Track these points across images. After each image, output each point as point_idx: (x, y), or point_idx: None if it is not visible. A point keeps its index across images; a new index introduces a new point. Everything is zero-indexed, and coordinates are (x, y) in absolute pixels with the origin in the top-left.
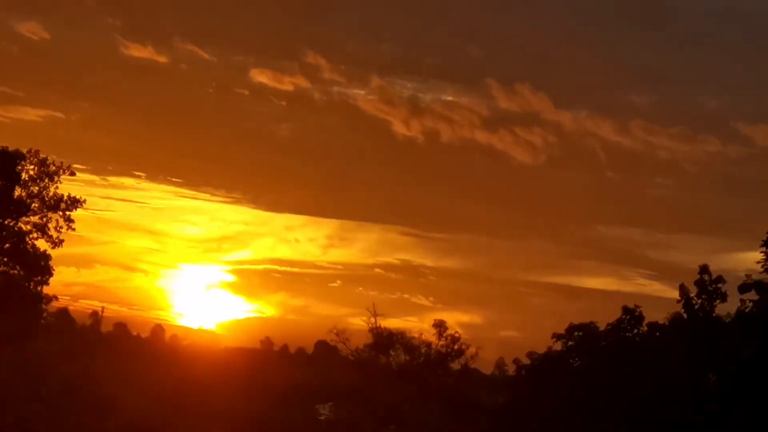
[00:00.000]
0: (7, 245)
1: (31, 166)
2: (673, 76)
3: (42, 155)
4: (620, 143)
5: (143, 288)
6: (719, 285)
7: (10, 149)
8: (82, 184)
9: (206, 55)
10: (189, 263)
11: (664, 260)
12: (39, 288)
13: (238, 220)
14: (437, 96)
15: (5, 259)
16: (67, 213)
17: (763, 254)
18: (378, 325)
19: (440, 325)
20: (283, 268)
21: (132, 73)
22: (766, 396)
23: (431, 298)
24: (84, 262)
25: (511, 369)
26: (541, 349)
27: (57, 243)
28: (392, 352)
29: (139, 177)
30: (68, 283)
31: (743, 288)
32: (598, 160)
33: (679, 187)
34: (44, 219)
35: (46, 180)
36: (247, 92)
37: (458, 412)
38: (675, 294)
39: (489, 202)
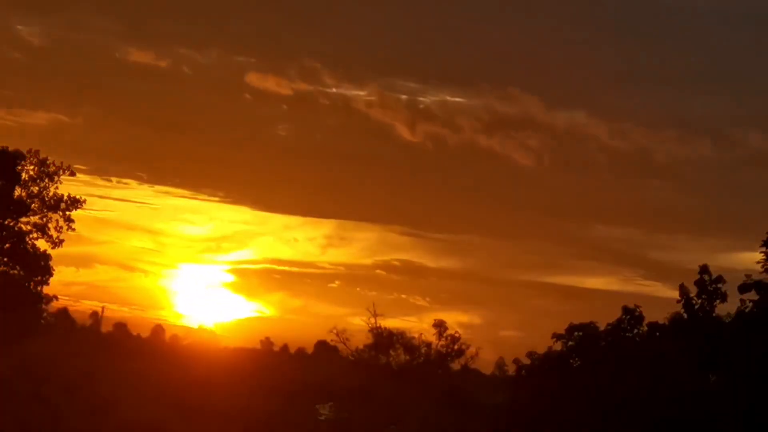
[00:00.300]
0: (7, 245)
1: (31, 166)
2: (673, 77)
3: (42, 155)
4: (619, 144)
5: (143, 288)
6: (719, 285)
7: (10, 149)
8: (82, 184)
9: (206, 59)
10: (189, 263)
11: (664, 260)
12: (39, 288)
13: (238, 220)
14: (436, 98)
15: (5, 259)
16: (67, 213)
17: (763, 254)
18: (378, 325)
19: (440, 325)
20: (283, 268)
21: (133, 76)
22: (766, 396)
23: (431, 298)
24: (83, 261)
25: (511, 369)
26: (541, 349)
27: (57, 243)
28: (392, 352)
29: (139, 177)
30: (68, 282)
31: (743, 288)
32: (598, 161)
33: (679, 188)
34: (44, 219)
35: (46, 180)
36: (247, 95)
37: (458, 412)
38: (675, 294)
39: (489, 202)
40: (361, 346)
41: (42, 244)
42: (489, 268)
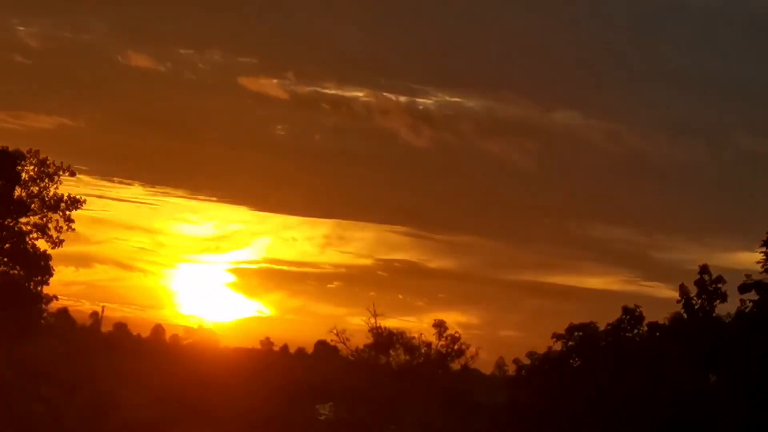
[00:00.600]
0: (7, 245)
1: (31, 167)
2: (672, 77)
3: (42, 155)
4: (618, 145)
5: (143, 287)
6: (719, 285)
7: (10, 149)
8: (82, 184)
9: (206, 60)
10: (188, 263)
11: (664, 260)
12: (39, 288)
13: (237, 220)
14: (435, 99)
15: (5, 259)
16: (67, 213)
17: (763, 254)
18: (378, 325)
19: (440, 325)
20: (282, 268)
21: (133, 78)
22: (766, 396)
23: (431, 299)
24: (83, 261)
25: (511, 369)
26: (541, 349)
27: (57, 243)
28: (392, 352)
29: (139, 177)
30: (67, 282)
31: (743, 288)
32: (598, 162)
33: (678, 188)
34: (44, 219)
35: (46, 180)
36: (246, 96)
37: (458, 412)
38: (675, 294)
39: (489, 202)
40: (361, 346)
41: (42, 244)
42: (489, 268)
